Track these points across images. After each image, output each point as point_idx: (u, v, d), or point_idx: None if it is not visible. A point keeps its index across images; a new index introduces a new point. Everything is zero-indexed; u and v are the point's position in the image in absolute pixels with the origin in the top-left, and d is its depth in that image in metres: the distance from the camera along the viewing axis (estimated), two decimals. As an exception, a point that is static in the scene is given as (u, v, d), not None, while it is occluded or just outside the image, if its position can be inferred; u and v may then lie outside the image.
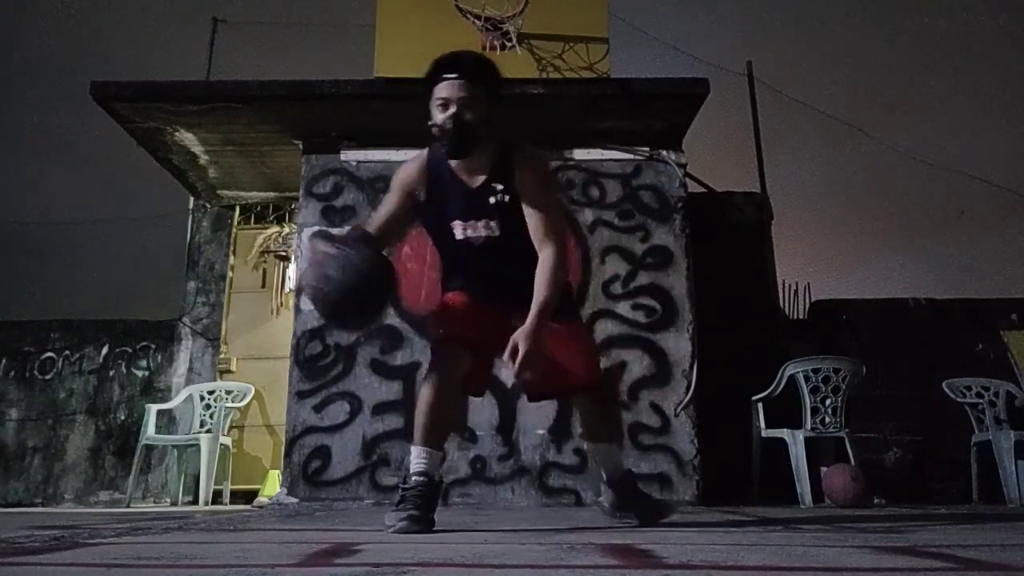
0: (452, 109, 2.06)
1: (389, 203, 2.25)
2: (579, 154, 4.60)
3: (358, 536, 1.81)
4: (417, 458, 2.07)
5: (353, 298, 1.93)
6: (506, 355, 2.01)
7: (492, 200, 2.16)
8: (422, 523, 1.93)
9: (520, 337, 2.00)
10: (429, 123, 2.11)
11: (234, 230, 5.78)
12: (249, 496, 4.81)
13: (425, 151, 2.26)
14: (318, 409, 4.17)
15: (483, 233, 2.17)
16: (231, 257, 5.71)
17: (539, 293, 2.07)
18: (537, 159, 2.26)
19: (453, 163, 2.17)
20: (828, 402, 4.25)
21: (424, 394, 2.10)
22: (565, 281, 2.22)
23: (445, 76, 2.08)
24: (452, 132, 2.06)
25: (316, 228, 4.44)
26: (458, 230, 2.19)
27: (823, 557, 1.28)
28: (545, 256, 2.12)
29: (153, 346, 5.45)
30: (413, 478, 2.04)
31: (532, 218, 2.15)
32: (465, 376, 2.18)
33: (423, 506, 1.98)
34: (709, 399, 4.25)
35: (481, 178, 2.17)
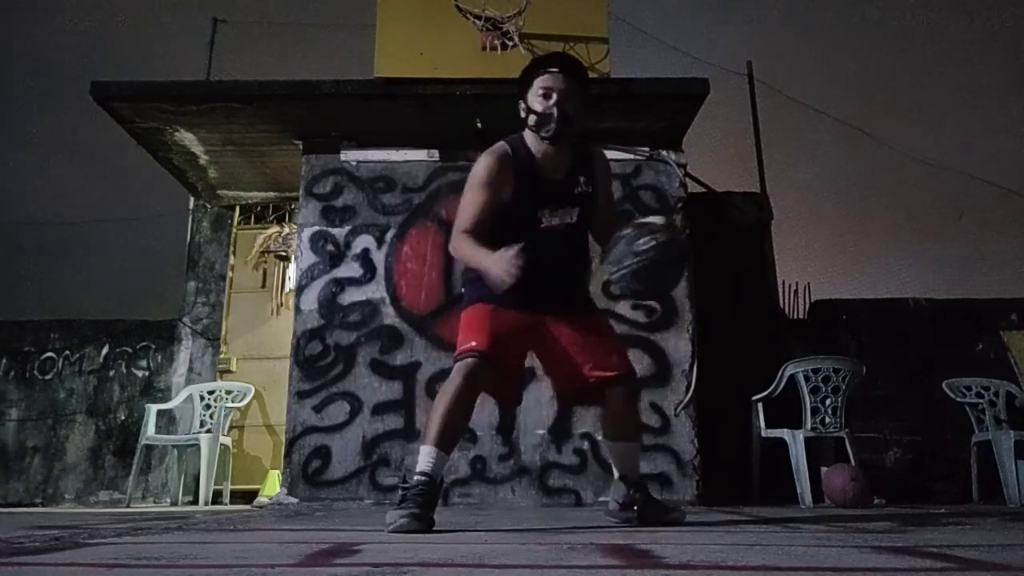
0: (555, 97, 2.21)
1: (480, 202, 2.26)
2: (579, 154, 4.60)
3: (358, 536, 1.81)
4: (426, 457, 2.07)
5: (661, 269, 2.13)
6: None
7: (577, 190, 2.32)
8: (422, 522, 1.93)
9: None
10: (524, 112, 2.26)
11: (234, 230, 5.78)
12: (249, 496, 4.81)
13: (503, 144, 2.32)
14: (318, 409, 4.17)
15: (567, 220, 2.31)
16: (231, 257, 5.71)
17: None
18: (606, 158, 2.51)
19: (537, 154, 2.28)
20: (828, 402, 4.24)
21: (445, 396, 2.11)
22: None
23: (548, 69, 2.23)
24: (556, 118, 2.19)
25: (316, 228, 4.45)
26: (544, 218, 2.28)
27: (823, 557, 1.28)
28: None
29: (153, 346, 5.45)
30: (417, 477, 2.05)
31: (604, 208, 2.39)
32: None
33: (424, 505, 1.99)
34: (709, 399, 4.25)
35: (565, 169, 2.32)
